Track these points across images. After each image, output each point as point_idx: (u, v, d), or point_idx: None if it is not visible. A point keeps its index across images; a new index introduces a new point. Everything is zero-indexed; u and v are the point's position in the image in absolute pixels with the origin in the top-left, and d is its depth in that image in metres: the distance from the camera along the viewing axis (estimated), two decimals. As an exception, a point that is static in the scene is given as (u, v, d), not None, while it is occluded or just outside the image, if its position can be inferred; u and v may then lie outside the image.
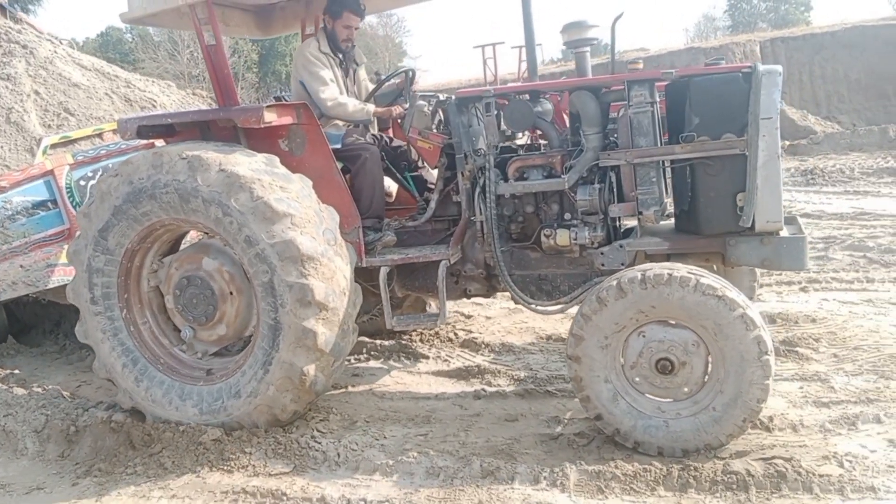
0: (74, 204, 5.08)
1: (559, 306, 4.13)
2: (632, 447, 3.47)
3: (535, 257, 4.15)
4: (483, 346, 5.20)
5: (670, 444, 3.40)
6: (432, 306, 5.55)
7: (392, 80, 4.97)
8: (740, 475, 3.10)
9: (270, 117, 3.93)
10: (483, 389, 4.45)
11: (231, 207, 3.69)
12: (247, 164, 3.80)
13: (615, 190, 3.87)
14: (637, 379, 3.45)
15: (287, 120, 4.06)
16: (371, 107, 4.57)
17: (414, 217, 4.51)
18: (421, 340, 5.43)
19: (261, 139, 4.11)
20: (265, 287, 3.73)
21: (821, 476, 3.07)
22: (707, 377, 3.40)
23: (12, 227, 5.02)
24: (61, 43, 6.86)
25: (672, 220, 4.01)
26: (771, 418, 3.60)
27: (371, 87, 5.00)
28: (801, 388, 4.03)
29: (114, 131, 5.52)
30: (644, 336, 3.41)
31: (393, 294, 4.33)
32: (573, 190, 3.91)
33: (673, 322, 3.39)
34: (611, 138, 3.99)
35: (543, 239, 4.00)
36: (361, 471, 3.54)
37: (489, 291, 4.46)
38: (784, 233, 3.64)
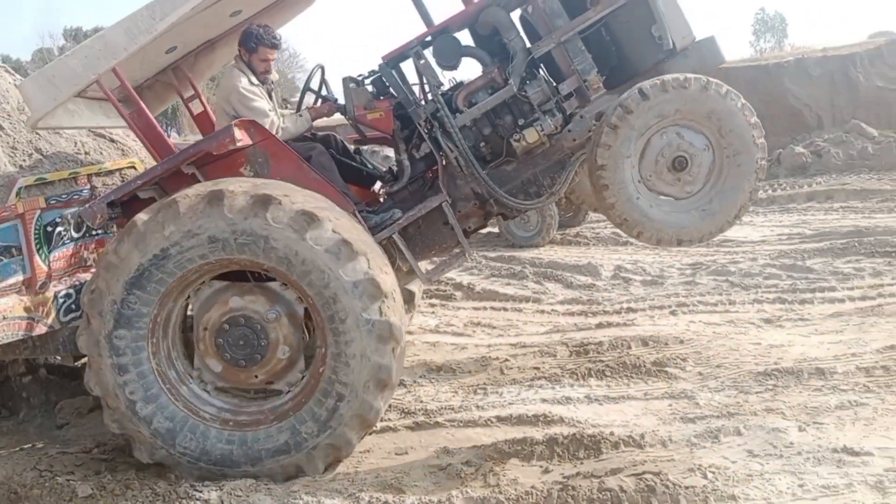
0: (41, 252, 4.68)
1: (554, 194, 4.43)
2: None
3: (511, 169, 4.40)
4: (373, 381, 5.21)
5: None
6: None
7: (311, 83, 5.02)
8: (614, 492, 3.27)
9: (241, 135, 3.89)
10: (373, 424, 4.46)
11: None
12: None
13: (555, 74, 4.26)
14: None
15: (246, 138, 4.02)
16: (306, 113, 4.62)
17: (392, 185, 4.59)
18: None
19: (222, 173, 4.01)
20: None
21: (686, 488, 3.29)
22: None
23: None
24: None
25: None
26: (643, 435, 3.83)
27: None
28: (670, 405, 4.30)
29: (89, 176, 5.23)
30: None
31: (399, 269, 4.40)
32: (522, 91, 4.21)
33: None
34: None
35: (514, 145, 4.25)
36: (247, 516, 3.46)
37: (485, 221, 4.69)
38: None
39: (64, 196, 4.89)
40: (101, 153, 6.36)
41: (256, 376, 3.92)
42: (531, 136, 4.21)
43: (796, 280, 6.68)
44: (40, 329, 4.52)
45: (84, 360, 4.82)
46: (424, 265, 4.93)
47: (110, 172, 5.37)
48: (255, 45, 4.57)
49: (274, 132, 4.38)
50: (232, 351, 3.87)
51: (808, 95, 15.24)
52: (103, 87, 3.99)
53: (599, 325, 6.00)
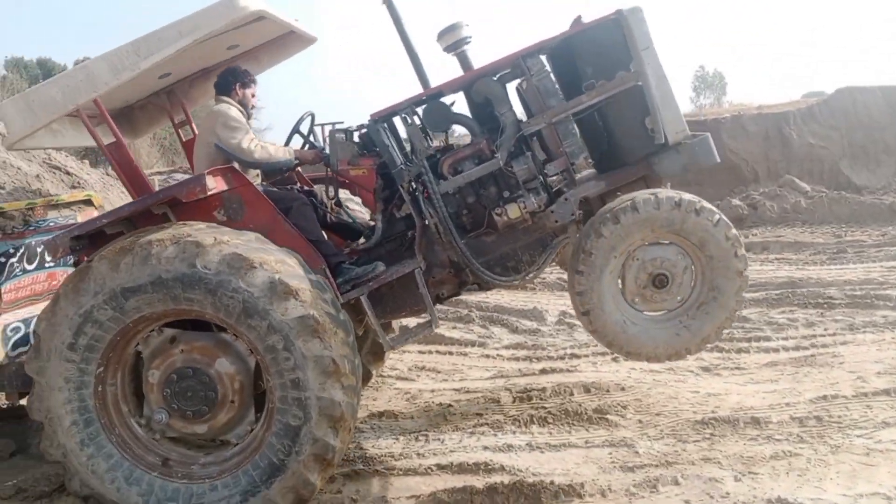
0: None
1: (531, 274, 4.40)
2: None
3: (490, 241, 4.36)
4: (313, 426, 5.08)
5: None
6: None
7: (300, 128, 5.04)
8: (553, 543, 3.23)
9: (213, 184, 3.83)
10: (310, 472, 4.33)
11: (297, 349, 3.56)
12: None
13: (544, 153, 4.26)
14: None
15: (221, 185, 3.96)
16: (292, 150, 4.59)
17: (366, 242, 4.55)
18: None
19: (194, 215, 3.93)
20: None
21: (624, 539, 3.28)
22: None
23: None
24: None
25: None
26: (582, 484, 3.83)
27: None
28: (611, 453, 4.31)
29: (44, 207, 5.05)
30: None
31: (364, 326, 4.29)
32: (509, 165, 4.19)
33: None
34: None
35: (496, 218, 4.22)
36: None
37: (459, 288, 4.59)
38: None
39: (19, 226, 4.76)
40: (58, 185, 6.28)
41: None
42: (513, 211, 4.18)
43: (733, 329, 6.83)
44: None
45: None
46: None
47: (67, 205, 5.28)
48: (250, 80, 4.73)
49: (256, 153, 4.39)
50: (179, 403, 3.82)
51: (745, 150, 15.91)
52: (83, 117, 3.97)
53: (543, 371, 6.01)
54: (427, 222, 4.26)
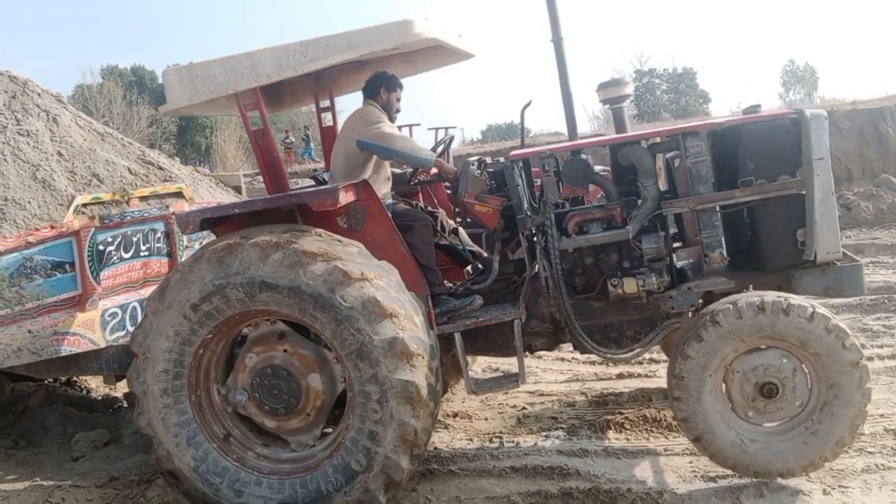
0: (92, 269, 4.72)
1: (633, 352, 4.22)
2: None
3: (598, 307, 4.21)
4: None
5: None
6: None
7: (438, 148, 5.13)
8: (629, 552, 3.17)
9: (344, 198, 3.94)
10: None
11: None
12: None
13: (678, 235, 4.09)
14: None
15: (350, 198, 4.07)
16: (434, 155, 4.59)
17: (475, 280, 4.57)
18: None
19: (318, 218, 4.06)
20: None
21: (705, 550, 3.19)
22: None
23: (28, 287, 4.52)
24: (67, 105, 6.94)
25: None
26: (661, 493, 3.74)
27: None
28: (691, 462, 4.19)
29: (140, 198, 5.40)
30: None
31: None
32: (637, 239, 4.02)
33: None
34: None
35: (610, 288, 4.04)
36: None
37: (553, 345, 4.51)
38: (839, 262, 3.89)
39: (116, 216, 4.99)
40: (151, 179, 6.66)
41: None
42: (630, 286, 3.99)
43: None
44: (87, 346, 4.55)
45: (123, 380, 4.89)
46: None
47: (160, 196, 5.54)
48: (396, 84, 4.75)
49: (398, 139, 4.42)
50: (262, 394, 3.94)
51: (838, 148, 15.15)
52: (239, 100, 4.08)
53: (620, 376, 5.91)
54: (538, 274, 4.18)
